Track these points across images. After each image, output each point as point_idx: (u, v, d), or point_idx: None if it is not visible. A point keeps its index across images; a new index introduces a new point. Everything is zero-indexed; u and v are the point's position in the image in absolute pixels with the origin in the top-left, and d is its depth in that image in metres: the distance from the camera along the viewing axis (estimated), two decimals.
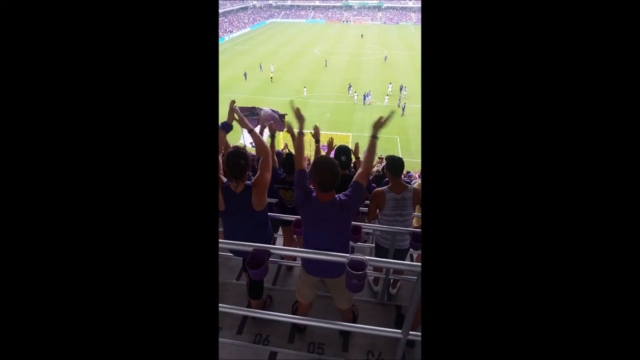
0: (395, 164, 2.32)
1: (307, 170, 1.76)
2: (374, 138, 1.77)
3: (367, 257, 1.39)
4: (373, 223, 2.51)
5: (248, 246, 1.55)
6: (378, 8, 57.15)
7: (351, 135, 15.77)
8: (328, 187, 1.60)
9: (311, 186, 1.70)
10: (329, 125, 16.68)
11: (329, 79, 23.43)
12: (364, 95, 19.51)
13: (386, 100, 19.35)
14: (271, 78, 23.46)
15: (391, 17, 54.77)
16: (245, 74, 23.64)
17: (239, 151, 1.81)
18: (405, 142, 15.25)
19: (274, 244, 2.40)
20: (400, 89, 19.95)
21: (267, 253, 1.54)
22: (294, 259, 2.88)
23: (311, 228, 1.72)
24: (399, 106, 18.55)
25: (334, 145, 2.89)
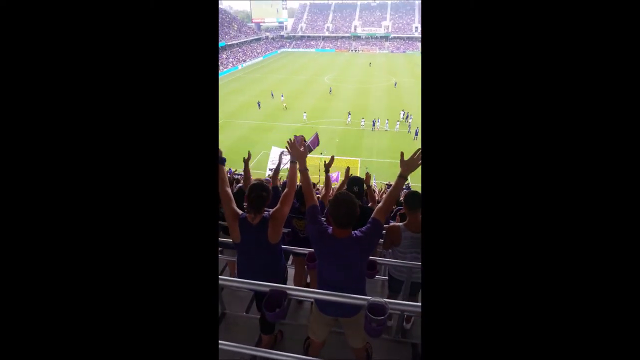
0: (414, 198, 2.23)
1: (318, 204, 1.75)
2: (401, 178, 1.68)
3: (386, 299, 1.34)
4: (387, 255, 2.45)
5: (265, 286, 1.52)
6: (385, 38, 59.10)
7: (360, 160, 15.85)
8: (345, 224, 1.59)
9: (326, 221, 1.68)
10: (338, 150, 16.84)
11: (339, 106, 23.91)
12: (373, 122, 19.78)
13: (397, 126, 19.57)
14: (285, 106, 24.06)
15: (398, 46, 56.45)
16: (258, 103, 24.29)
17: (262, 184, 1.81)
18: None
19: (286, 275, 2.35)
20: (406, 117, 20.18)
21: (284, 294, 1.50)
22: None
23: (326, 264, 1.69)
24: (409, 132, 18.70)
25: (350, 174, 2.89)
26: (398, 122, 19.75)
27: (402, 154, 1.74)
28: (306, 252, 2.27)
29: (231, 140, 17.26)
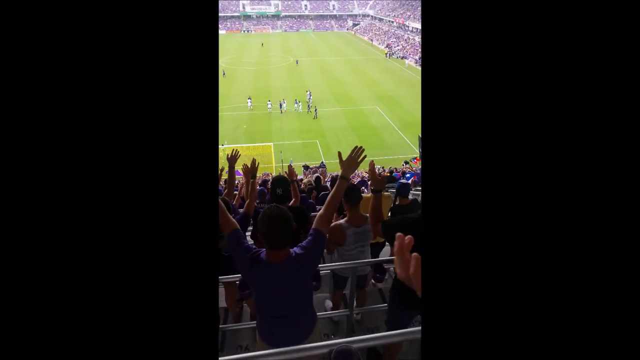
0: (352, 193, 2.04)
1: (239, 228, 1.38)
2: (342, 179, 1.46)
3: (355, 337, 1.09)
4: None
5: None
6: (277, 16, 57.86)
7: (272, 144, 15.40)
8: (279, 244, 1.28)
9: (254, 241, 1.34)
10: (247, 137, 16.04)
11: (239, 90, 22.60)
12: (280, 103, 19.31)
13: (300, 106, 19.45)
14: None
15: (291, 25, 56.03)
16: None
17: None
18: (325, 145, 15.53)
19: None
20: (309, 96, 20.24)
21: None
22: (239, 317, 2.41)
23: (265, 294, 1.36)
24: (309, 111, 18.84)
25: (255, 165, 2.47)
26: (300, 103, 19.57)
27: (339, 154, 1.56)
28: (235, 278, 1.87)
29: None
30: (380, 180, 1.79)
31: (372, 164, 1.87)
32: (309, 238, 1.37)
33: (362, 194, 2.16)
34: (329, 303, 2.73)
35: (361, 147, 1.53)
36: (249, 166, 2.47)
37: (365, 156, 1.53)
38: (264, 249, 1.33)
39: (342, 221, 2.09)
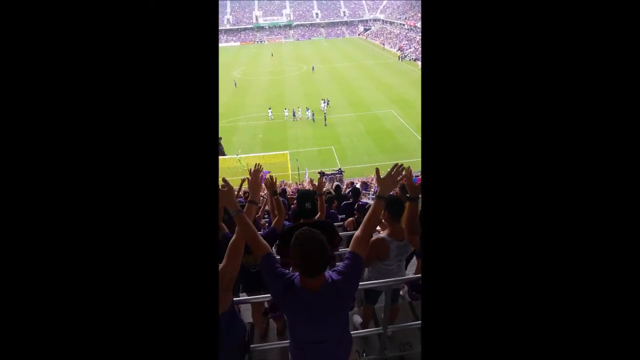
0: (396, 206, 1.90)
1: (272, 251, 1.30)
2: (380, 199, 1.36)
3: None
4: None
5: None
6: (289, 26, 58.67)
7: (289, 152, 15.41)
8: (316, 272, 1.18)
9: (288, 270, 1.24)
10: (264, 145, 16.13)
11: (255, 100, 22.87)
12: (294, 112, 19.37)
13: (309, 114, 19.40)
14: None
15: (303, 33, 56.67)
16: None
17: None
18: (340, 151, 15.40)
19: (247, 339, 1.84)
20: (327, 103, 20.20)
21: None
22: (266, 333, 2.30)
23: (299, 322, 1.27)
24: (313, 119, 18.72)
25: (274, 181, 2.36)
26: (310, 110, 19.45)
27: (377, 171, 1.48)
28: (265, 297, 1.78)
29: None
30: (416, 187, 1.66)
31: (409, 170, 1.75)
32: (346, 262, 1.27)
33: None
34: (357, 318, 2.59)
35: (401, 165, 1.42)
36: (270, 182, 2.38)
37: (402, 176, 1.43)
38: (297, 274, 1.24)
39: (384, 235, 1.96)
